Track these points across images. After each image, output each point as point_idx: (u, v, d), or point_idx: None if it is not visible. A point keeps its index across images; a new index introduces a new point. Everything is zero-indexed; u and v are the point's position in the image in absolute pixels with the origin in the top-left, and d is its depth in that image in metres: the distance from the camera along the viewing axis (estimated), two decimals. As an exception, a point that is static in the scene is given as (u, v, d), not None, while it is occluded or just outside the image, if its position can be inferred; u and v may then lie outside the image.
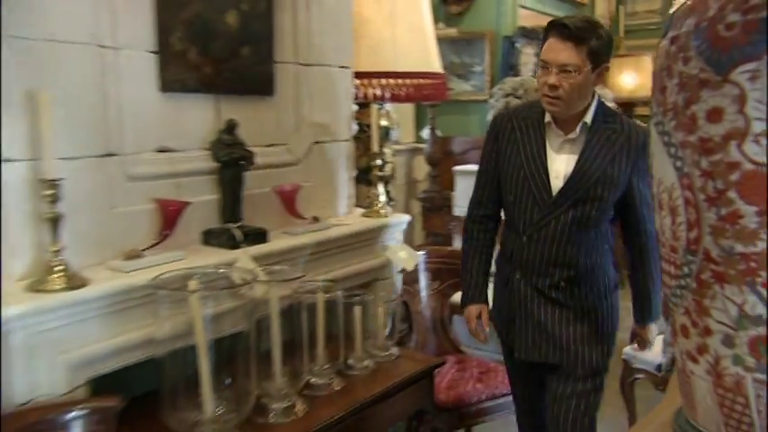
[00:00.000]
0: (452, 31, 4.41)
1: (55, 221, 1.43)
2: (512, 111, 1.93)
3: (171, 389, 1.45)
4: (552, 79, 1.64)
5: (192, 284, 1.41)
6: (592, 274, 1.78)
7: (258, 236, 1.82)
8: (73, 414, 1.31)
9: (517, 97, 3.54)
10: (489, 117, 3.60)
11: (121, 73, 1.61)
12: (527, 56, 4.36)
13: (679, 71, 0.65)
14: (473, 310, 1.94)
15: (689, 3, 0.65)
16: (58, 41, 1.47)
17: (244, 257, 1.67)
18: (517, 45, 4.32)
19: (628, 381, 2.52)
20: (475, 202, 1.95)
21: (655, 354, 2.39)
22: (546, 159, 1.75)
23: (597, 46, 1.62)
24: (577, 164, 1.72)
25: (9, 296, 1.34)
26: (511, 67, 4.31)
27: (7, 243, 1.43)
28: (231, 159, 1.79)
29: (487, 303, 1.96)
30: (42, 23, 1.44)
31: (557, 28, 1.64)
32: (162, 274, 1.47)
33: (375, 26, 2.38)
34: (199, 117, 1.82)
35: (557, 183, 1.73)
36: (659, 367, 2.44)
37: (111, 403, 1.36)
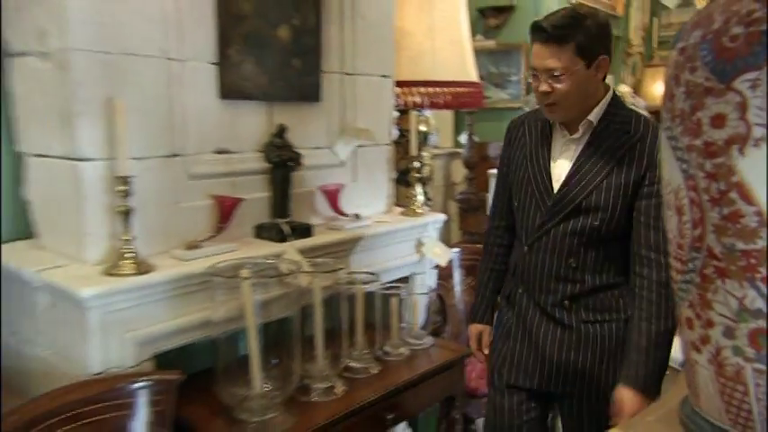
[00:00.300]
0: (490, 43, 4.38)
1: (127, 214, 1.46)
2: (525, 115, 1.69)
3: (224, 367, 1.48)
4: (543, 86, 1.41)
5: (244, 273, 1.44)
6: (601, 295, 1.50)
7: (304, 230, 1.83)
8: (139, 384, 1.33)
9: (551, 105, 3.50)
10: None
11: (186, 82, 1.63)
12: (562, 66, 4.29)
13: (686, 80, 0.65)
14: (474, 330, 1.79)
15: (696, 16, 0.65)
16: (132, 55, 1.50)
17: (291, 250, 1.69)
18: (552, 55, 4.27)
19: (653, 376, 2.44)
20: (492, 212, 1.77)
21: (678, 351, 2.32)
22: (549, 161, 1.51)
23: (585, 40, 1.36)
24: (573, 166, 1.47)
25: (87, 279, 1.39)
26: (546, 77, 4.25)
27: (87, 232, 1.48)
28: (281, 160, 1.80)
29: (491, 324, 1.78)
30: (119, 39, 1.47)
31: (536, 31, 1.40)
32: (218, 263, 1.49)
33: (416, 39, 2.40)
34: (253, 122, 1.82)
35: (558, 186, 1.51)
36: (683, 364, 2.36)
37: (173, 377, 1.38)
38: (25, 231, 1.65)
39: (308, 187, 1.96)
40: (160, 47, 1.57)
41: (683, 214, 0.67)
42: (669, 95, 0.69)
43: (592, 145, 1.46)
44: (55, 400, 1.23)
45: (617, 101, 1.49)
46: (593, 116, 1.45)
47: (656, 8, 5.95)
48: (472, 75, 2.52)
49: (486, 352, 1.77)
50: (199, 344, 1.59)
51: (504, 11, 4.31)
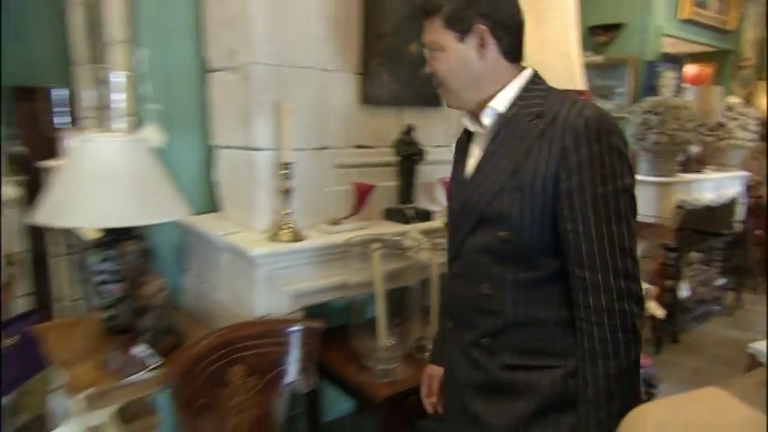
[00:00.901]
0: (598, 59, 4.15)
1: (287, 193, 1.58)
2: None
3: (357, 324, 1.55)
4: (426, 66, 1.04)
5: (375, 246, 1.49)
6: (530, 334, 0.97)
7: (425, 215, 1.85)
8: (293, 328, 1.43)
9: (656, 114, 3.24)
10: (627, 130, 3.34)
11: (335, 89, 1.73)
12: (667, 78, 3.94)
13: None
14: (426, 371, 1.28)
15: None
16: (295, 67, 1.62)
17: (413, 230, 1.72)
18: (658, 69, 3.94)
19: (756, 374, 2.17)
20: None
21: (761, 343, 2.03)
22: (465, 164, 1.06)
23: (454, 9, 0.95)
24: (475, 168, 1.01)
25: (257, 242, 1.53)
26: (651, 88, 3.94)
27: (257, 207, 1.62)
28: (408, 155, 1.84)
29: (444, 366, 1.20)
30: (287, 54, 1.60)
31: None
32: (354, 237, 1.58)
33: (528, 51, 2.33)
34: (386, 122, 1.88)
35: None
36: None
37: (318, 325, 1.46)
38: (214, 205, 1.86)
39: (430, 179, 1.99)
40: (317, 60, 1.68)
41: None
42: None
43: (497, 139, 0.99)
44: (230, 333, 1.37)
45: (534, 82, 1.00)
46: (498, 102, 0.98)
47: (772, 22, 5.25)
48: (579, 83, 2.41)
49: (434, 400, 1.26)
50: (335, 305, 1.68)
51: (613, 28, 4.06)
